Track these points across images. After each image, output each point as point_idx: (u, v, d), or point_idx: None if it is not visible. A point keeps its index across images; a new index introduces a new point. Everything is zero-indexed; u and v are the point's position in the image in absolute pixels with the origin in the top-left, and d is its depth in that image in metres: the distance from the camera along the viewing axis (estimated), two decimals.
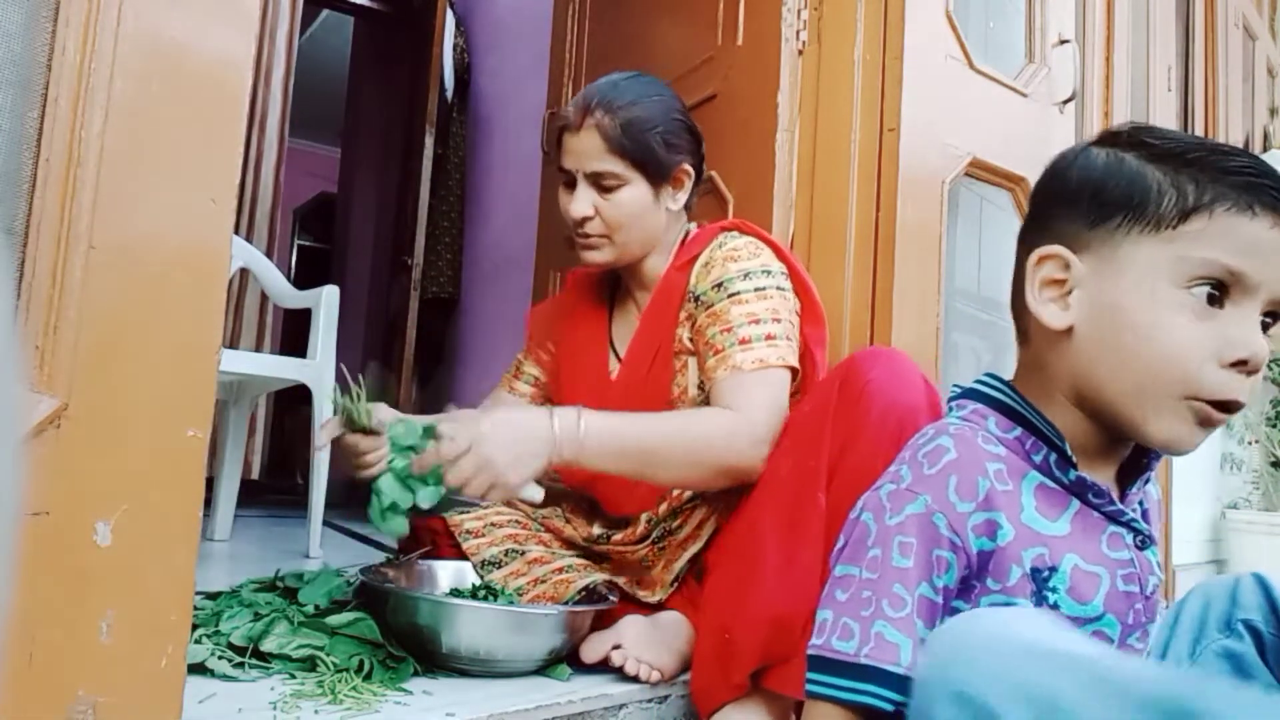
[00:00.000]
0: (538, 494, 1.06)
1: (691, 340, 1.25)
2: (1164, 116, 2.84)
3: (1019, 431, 0.74)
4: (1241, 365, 0.66)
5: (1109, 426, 0.72)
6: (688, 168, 1.30)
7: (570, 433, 1.04)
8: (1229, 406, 0.67)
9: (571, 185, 1.27)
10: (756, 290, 1.20)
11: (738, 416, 1.12)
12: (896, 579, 0.69)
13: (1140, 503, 0.77)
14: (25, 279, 0.67)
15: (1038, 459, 0.73)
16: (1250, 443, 3.09)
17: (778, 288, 1.22)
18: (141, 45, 0.72)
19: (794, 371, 1.19)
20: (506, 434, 1.01)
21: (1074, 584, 0.71)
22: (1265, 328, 0.68)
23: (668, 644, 1.13)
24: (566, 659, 1.12)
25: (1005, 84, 1.84)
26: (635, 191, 1.25)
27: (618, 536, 1.30)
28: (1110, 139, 0.74)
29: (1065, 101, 1.98)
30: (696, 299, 1.24)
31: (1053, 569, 0.70)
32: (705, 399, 1.21)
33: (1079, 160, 0.74)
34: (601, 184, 1.24)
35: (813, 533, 1.03)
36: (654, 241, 1.30)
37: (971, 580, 0.71)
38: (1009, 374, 0.81)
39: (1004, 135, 1.80)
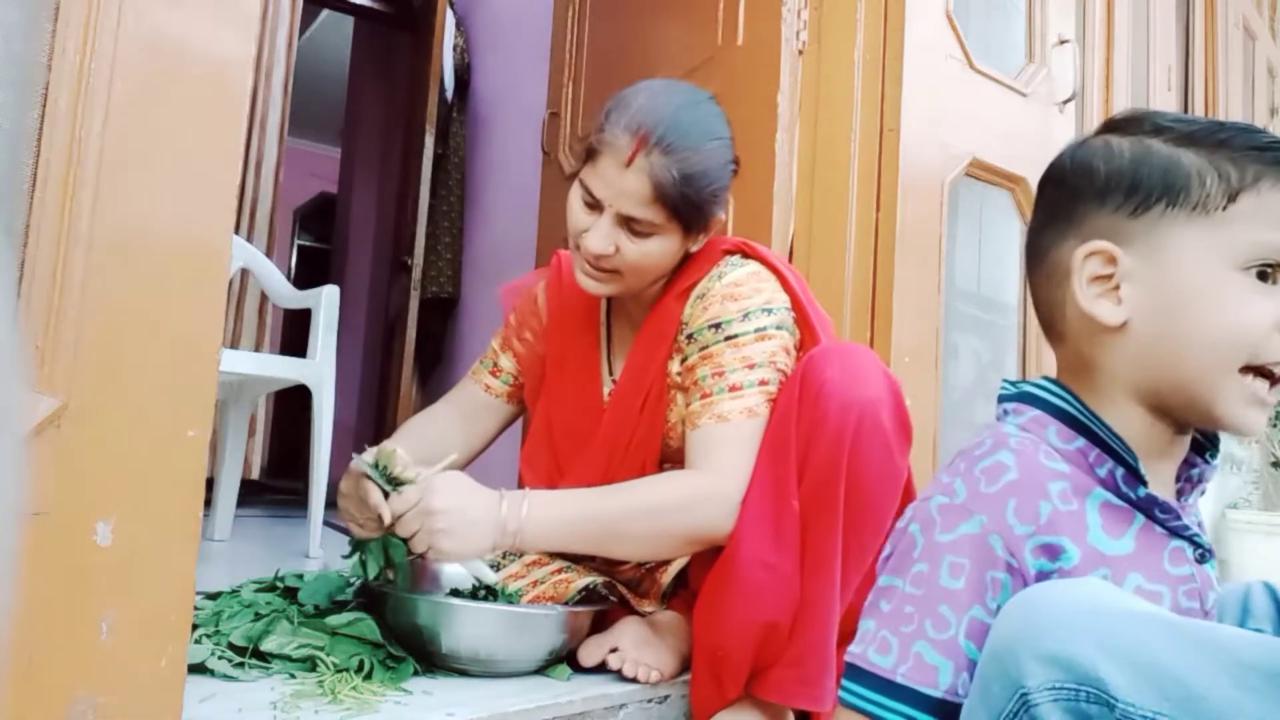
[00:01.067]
0: (489, 575, 1.07)
1: (681, 375, 1.18)
2: None
3: (1081, 443, 0.71)
4: None
5: (1177, 417, 0.71)
6: (723, 215, 1.19)
7: (515, 516, 1.01)
8: None
9: (593, 206, 1.12)
10: (757, 332, 1.12)
11: (710, 483, 1.06)
12: (943, 600, 0.67)
13: (1195, 513, 0.75)
14: (25, 279, 0.67)
15: (1102, 473, 0.71)
16: (1250, 443, 3.10)
17: (778, 326, 1.14)
18: (141, 45, 0.72)
19: None
20: (453, 499, 0.99)
21: None
22: None
23: (666, 644, 1.13)
24: (566, 660, 1.12)
25: (1005, 84, 1.84)
26: (664, 242, 1.13)
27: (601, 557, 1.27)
28: (1122, 126, 0.73)
29: (1065, 101, 1.98)
30: (691, 335, 1.16)
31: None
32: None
33: (1101, 151, 0.72)
34: (633, 227, 1.11)
35: (789, 539, 1.03)
36: (663, 276, 1.20)
37: None
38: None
39: (1004, 135, 1.80)
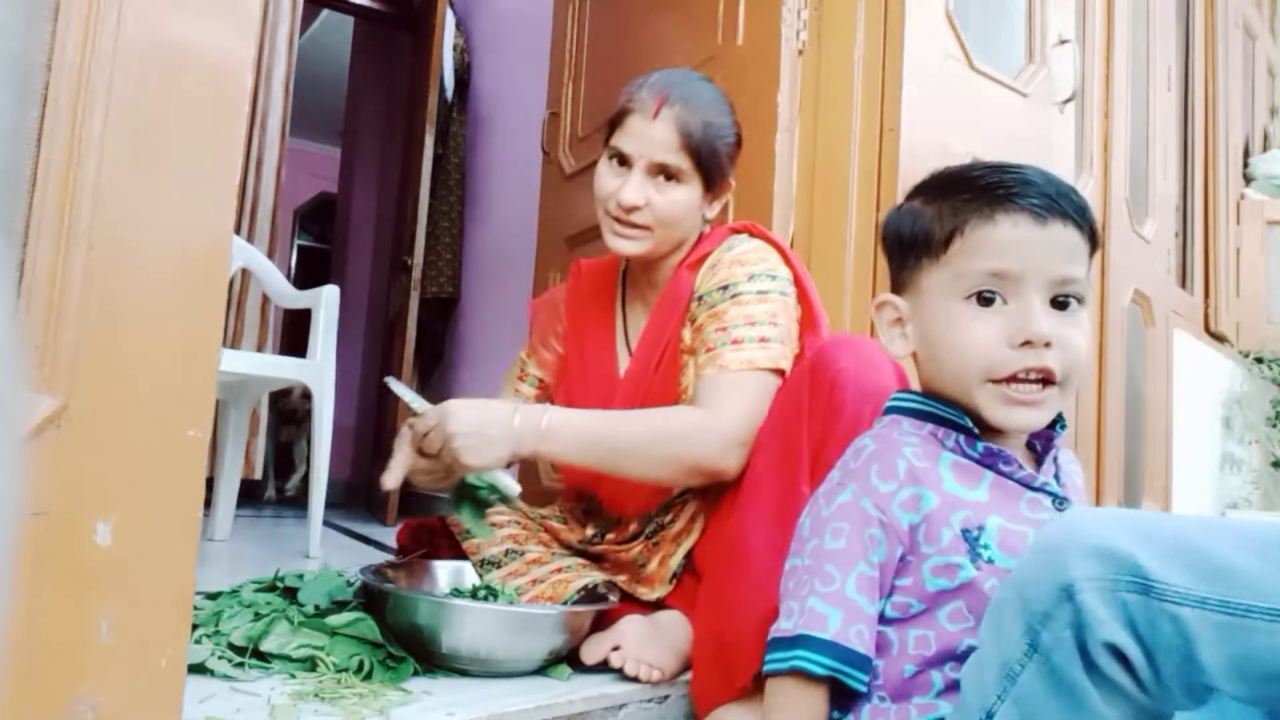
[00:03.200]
0: (512, 486, 1.12)
1: (692, 339, 1.25)
2: (1164, 116, 2.84)
3: (930, 427, 0.85)
4: (1029, 345, 0.78)
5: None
6: (732, 180, 1.31)
7: (532, 427, 1.08)
8: (1040, 378, 0.78)
9: (623, 166, 1.24)
10: (759, 293, 1.20)
11: (708, 417, 1.13)
12: (828, 560, 0.79)
13: (1057, 476, 0.86)
14: (25, 279, 0.67)
15: (949, 444, 0.83)
16: (1250, 443, 3.09)
17: (781, 292, 1.22)
18: (141, 45, 0.72)
19: (784, 374, 1.18)
20: (469, 416, 1.06)
21: (1002, 540, 0.78)
22: (1063, 307, 0.80)
23: (668, 643, 1.13)
24: (566, 659, 1.12)
25: (1005, 84, 1.84)
26: (690, 192, 1.24)
27: (611, 535, 1.30)
28: (911, 193, 0.90)
29: (1065, 101, 1.98)
30: (700, 299, 1.24)
31: (980, 528, 0.78)
32: None
33: (890, 220, 0.91)
34: (665, 174, 1.23)
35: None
36: (683, 242, 1.30)
37: (908, 556, 0.79)
38: None
39: (1004, 135, 1.80)
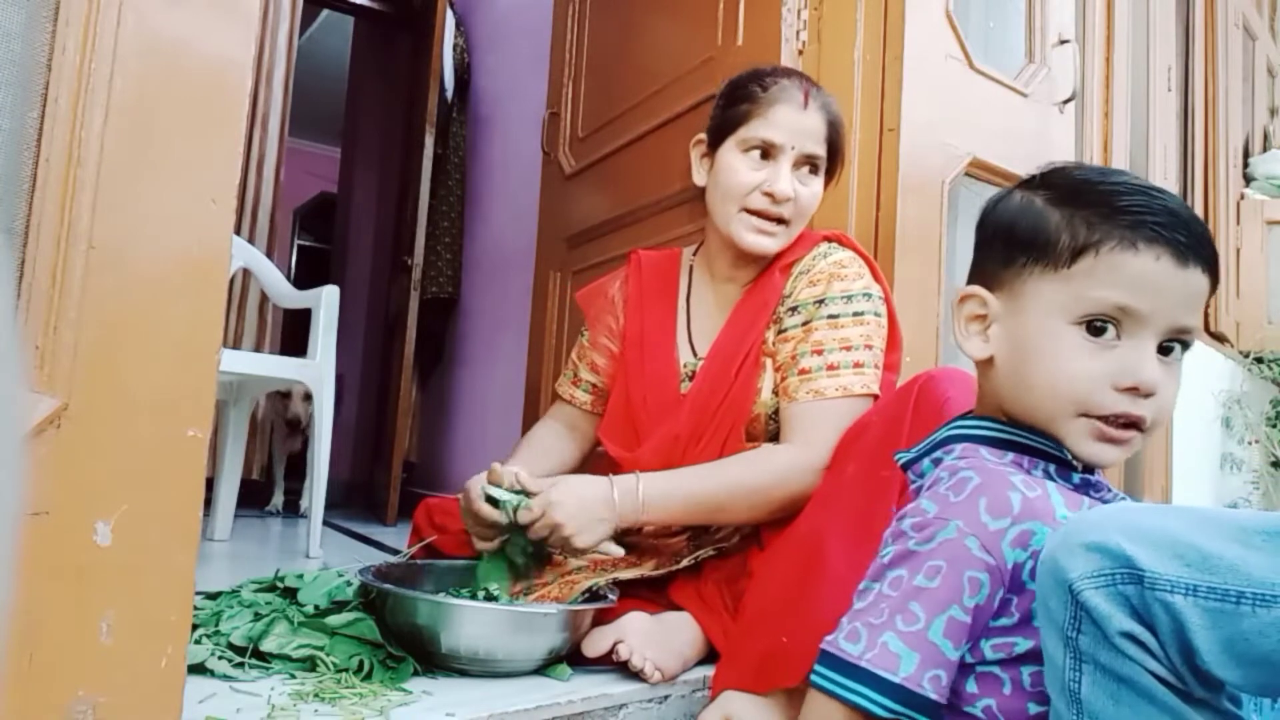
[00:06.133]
0: (616, 551, 1.20)
1: (775, 344, 1.25)
2: (1164, 116, 2.84)
3: (1011, 455, 0.78)
4: (1134, 391, 0.72)
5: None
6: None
7: (630, 501, 1.12)
8: (1131, 423, 0.74)
9: (766, 156, 1.22)
10: (855, 315, 1.21)
11: (801, 454, 1.16)
12: (915, 598, 0.71)
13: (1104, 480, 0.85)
14: (25, 279, 0.67)
15: (1038, 473, 0.77)
16: (1250, 443, 3.09)
17: (875, 313, 1.22)
18: (141, 45, 0.72)
19: (875, 398, 1.19)
20: (573, 504, 1.11)
21: None
22: (1168, 352, 0.74)
23: (671, 645, 1.13)
24: (568, 658, 1.12)
25: (1005, 84, 1.84)
26: (821, 185, 1.27)
27: (651, 528, 1.29)
28: (1029, 182, 0.81)
29: (1065, 101, 1.98)
30: (794, 308, 1.24)
31: None
32: (776, 408, 1.24)
33: (999, 205, 0.82)
34: (810, 166, 1.24)
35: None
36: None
37: (1009, 594, 0.72)
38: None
39: (1004, 135, 1.80)
